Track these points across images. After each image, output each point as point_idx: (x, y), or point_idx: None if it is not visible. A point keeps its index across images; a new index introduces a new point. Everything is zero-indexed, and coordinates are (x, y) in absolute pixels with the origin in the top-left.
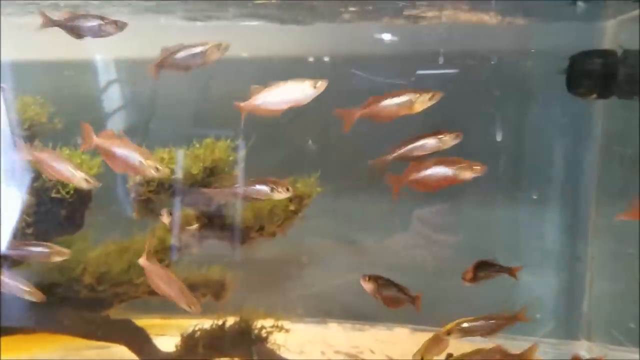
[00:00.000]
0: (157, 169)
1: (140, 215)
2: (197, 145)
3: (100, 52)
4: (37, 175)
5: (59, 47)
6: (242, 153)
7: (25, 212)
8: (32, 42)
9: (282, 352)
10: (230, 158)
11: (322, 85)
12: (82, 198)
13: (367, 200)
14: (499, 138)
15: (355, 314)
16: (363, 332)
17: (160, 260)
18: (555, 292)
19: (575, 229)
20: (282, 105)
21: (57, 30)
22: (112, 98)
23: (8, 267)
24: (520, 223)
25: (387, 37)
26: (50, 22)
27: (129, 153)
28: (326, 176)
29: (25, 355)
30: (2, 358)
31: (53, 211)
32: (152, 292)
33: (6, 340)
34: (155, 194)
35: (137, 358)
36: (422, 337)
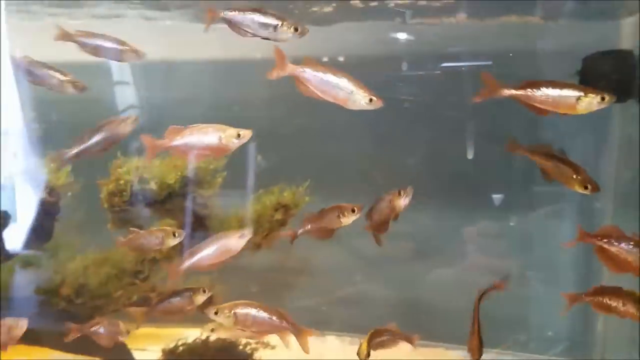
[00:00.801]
0: (238, 136)
1: (116, 226)
2: None
3: None
4: None
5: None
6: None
7: None
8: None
9: None
10: (211, 167)
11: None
12: (48, 210)
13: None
14: (470, 156)
15: (355, 326)
16: None
17: (139, 272)
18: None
19: None
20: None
21: None
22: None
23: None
24: (534, 235)
25: (402, 36)
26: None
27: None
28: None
29: None
30: None
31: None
32: (132, 305)
33: None
34: (129, 205)
35: None
36: (425, 352)
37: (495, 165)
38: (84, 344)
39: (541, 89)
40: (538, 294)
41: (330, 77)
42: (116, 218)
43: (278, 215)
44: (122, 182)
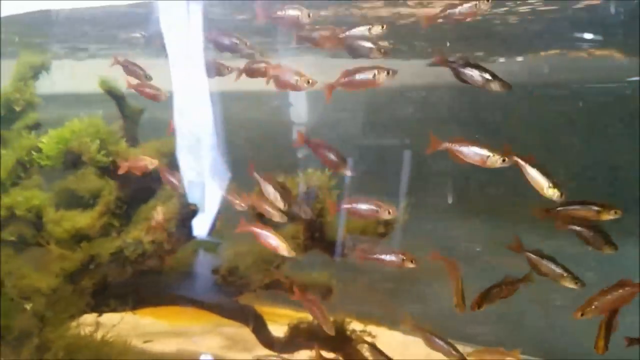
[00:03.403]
0: None
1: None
2: (300, 175)
3: None
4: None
5: None
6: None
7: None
8: None
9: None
10: (326, 184)
11: None
12: None
13: (499, 224)
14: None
15: (464, 337)
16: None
17: (273, 262)
18: None
19: None
20: None
21: None
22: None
23: None
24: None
25: None
26: None
27: None
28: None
29: (182, 324)
30: (158, 324)
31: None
32: (267, 286)
33: (165, 310)
34: None
35: None
36: None
37: None
38: (238, 314)
39: None
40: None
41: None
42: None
43: (381, 229)
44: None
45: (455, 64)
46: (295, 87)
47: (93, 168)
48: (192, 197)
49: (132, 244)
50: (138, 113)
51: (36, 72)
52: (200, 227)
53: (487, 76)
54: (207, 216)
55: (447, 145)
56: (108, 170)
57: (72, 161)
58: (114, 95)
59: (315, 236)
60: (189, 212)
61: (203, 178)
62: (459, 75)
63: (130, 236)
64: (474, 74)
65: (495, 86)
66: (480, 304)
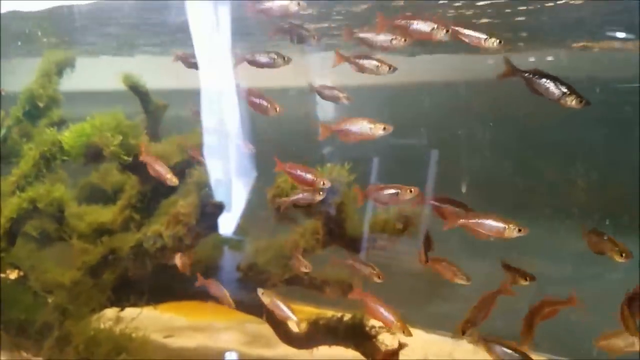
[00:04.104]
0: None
1: (277, 220)
2: (320, 169)
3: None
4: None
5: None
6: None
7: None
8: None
9: None
10: (345, 180)
11: None
12: None
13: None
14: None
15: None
16: None
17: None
18: None
19: None
20: None
21: None
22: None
23: None
24: None
25: None
26: None
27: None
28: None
29: (203, 319)
30: (179, 319)
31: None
32: (287, 282)
33: (185, 305)
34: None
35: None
36: None
37: None
38: (254, 308)
39: None
40: None
41: None
42: (276, 215)
43: (399, 225)
44: (280, 189)
45: (528, 75)
46: (369, 136)
47: (116, 163)
48: (217, 193)
49: (151, 238)
50: (161, 109)
51: (60, 68)
52: (224, 224)
53: (564, 89)
54: (230, 213)
55: (462, 222)
56: (130, 165)
57: (94, 155)
58: (137, 91)
59: (335, 232)
60: (210, 206)
61: (228, 174)
62: (532, 86)
63: (151, 230)
64: (550, 86)
65: (571, 101)
66: None
